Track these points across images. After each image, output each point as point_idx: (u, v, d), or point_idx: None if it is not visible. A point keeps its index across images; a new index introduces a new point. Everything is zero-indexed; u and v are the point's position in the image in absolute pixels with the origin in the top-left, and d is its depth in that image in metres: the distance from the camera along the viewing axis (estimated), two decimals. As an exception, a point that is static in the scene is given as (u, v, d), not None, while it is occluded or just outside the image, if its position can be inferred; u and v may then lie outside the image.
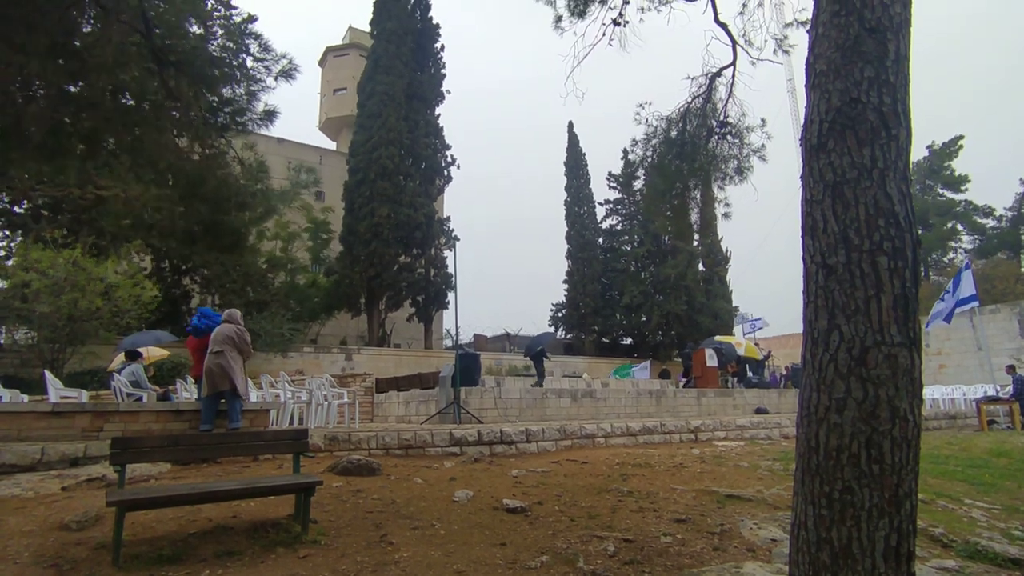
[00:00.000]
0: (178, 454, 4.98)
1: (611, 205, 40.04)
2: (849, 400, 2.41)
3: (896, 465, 2.33)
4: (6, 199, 18.12)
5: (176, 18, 6.48)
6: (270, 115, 7.24)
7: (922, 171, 42.89)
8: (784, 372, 25.53)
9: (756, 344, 23.42)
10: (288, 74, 7.10)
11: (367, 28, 32.16)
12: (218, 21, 7.16)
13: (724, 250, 38.02)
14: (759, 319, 28.40)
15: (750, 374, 20.69)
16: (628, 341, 38.97)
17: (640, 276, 37.13)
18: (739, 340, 22.82)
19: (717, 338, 22.12)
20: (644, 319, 35.86)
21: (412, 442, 7.86)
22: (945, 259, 41.64)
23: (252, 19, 7.17)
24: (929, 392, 18.34)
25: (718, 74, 7.91)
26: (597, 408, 12.74)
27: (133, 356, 10.07)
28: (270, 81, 7.11)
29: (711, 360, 17.51)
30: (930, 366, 27.24)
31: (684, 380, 20.54)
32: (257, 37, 7.08)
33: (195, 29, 6.86)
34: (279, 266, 26.52)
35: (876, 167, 2.53)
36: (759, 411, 15.07)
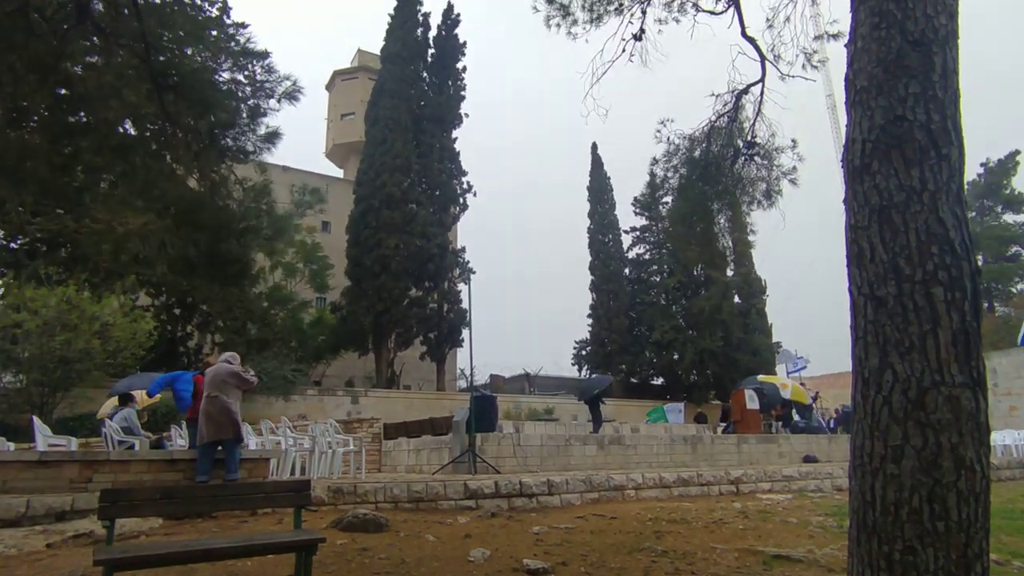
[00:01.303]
0: (171, 508, 4.98)
1: (637, 233, 39.93)
2: (907, 448, 2.33)
3: (963, 522, 2.24)
4: (1, 234, 18.68)
5: (178, 44, 6.75)
6: (272, 137, 7.44)
7: (978, 192, 42.17)
8: (835, 415, 24.93)
9: (802, 384, 22.93)
10: (291, 95, 7.32)
11: (378, 51, 32.97)
12: (221, 44, 7.44)
13: (761, 280, 37.59)
14: (801, 357, 27.84)
15: (796, 417, 20.24)
16: (659, 381, 38.40)
17: (671, 310, 36.79)
18: (784, 381, 22.38)
19: (760, 378, 21.71)
20: (676, 357, 35.36)
21: (423, 494, 7.77)
22: (1013, 288, 40.61)
23: (267, 55, 7.46)
24: (999, 437, 17.72)
25: (745, 91, 7.97)
26: (627, 456, 12.51)
27: (125, 400, 10.17)
28: (272, 103, 7.34)
29: (751, 402, 17.15)
30: (1000, 408, 26.36)
31: (723, 425, 20.16)
32: (261, 58, 7.34)
33: (194, 52, 7.12)
34: (281, 302, 26.79)
35: (926, 189, 2.50)
36: (808, 459, 14.67)
